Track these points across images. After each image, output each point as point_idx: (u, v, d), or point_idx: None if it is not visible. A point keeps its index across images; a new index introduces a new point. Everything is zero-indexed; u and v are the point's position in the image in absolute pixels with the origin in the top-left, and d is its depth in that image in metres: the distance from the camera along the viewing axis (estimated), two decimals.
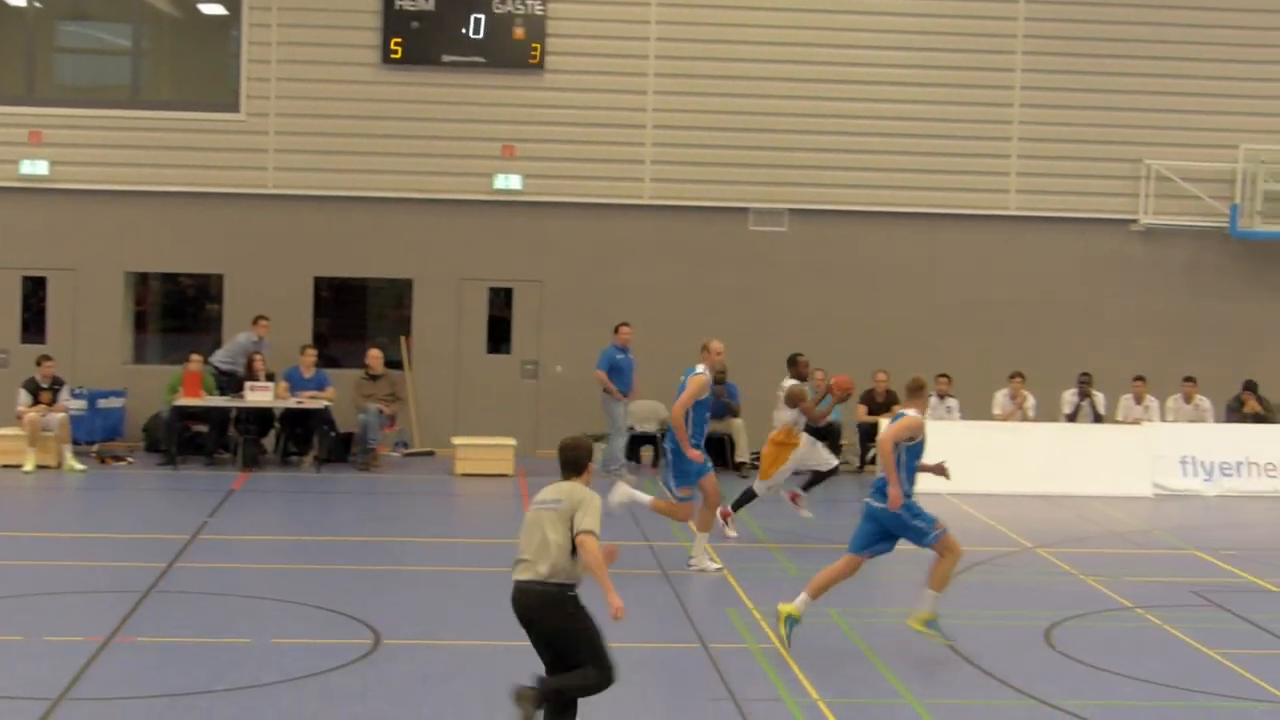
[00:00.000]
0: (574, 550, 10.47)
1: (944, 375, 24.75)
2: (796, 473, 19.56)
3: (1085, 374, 24.75)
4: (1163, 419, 24.86)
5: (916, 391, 14.63)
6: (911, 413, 14.50)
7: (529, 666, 12.31)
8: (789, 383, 19.71)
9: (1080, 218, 26.27)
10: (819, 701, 12.53)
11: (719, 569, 17.40)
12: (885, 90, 26.00)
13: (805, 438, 19.45)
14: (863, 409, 24.76)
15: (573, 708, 10.70)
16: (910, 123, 26.03)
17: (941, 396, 24.55)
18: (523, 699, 10.40)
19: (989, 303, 26.25)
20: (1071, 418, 24.59)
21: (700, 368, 17.66)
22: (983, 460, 23.27)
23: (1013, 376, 24.57)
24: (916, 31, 26.03)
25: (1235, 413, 25.04)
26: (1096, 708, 12.69)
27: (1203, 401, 24.99)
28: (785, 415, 19.39)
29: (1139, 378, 24.89)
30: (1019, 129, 26.12)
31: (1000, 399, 24.63)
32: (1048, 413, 24.82)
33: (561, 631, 10.57)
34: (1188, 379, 25.01)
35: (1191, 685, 13.52)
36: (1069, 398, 24.73)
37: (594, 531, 10.41)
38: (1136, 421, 24.52)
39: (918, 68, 26.03)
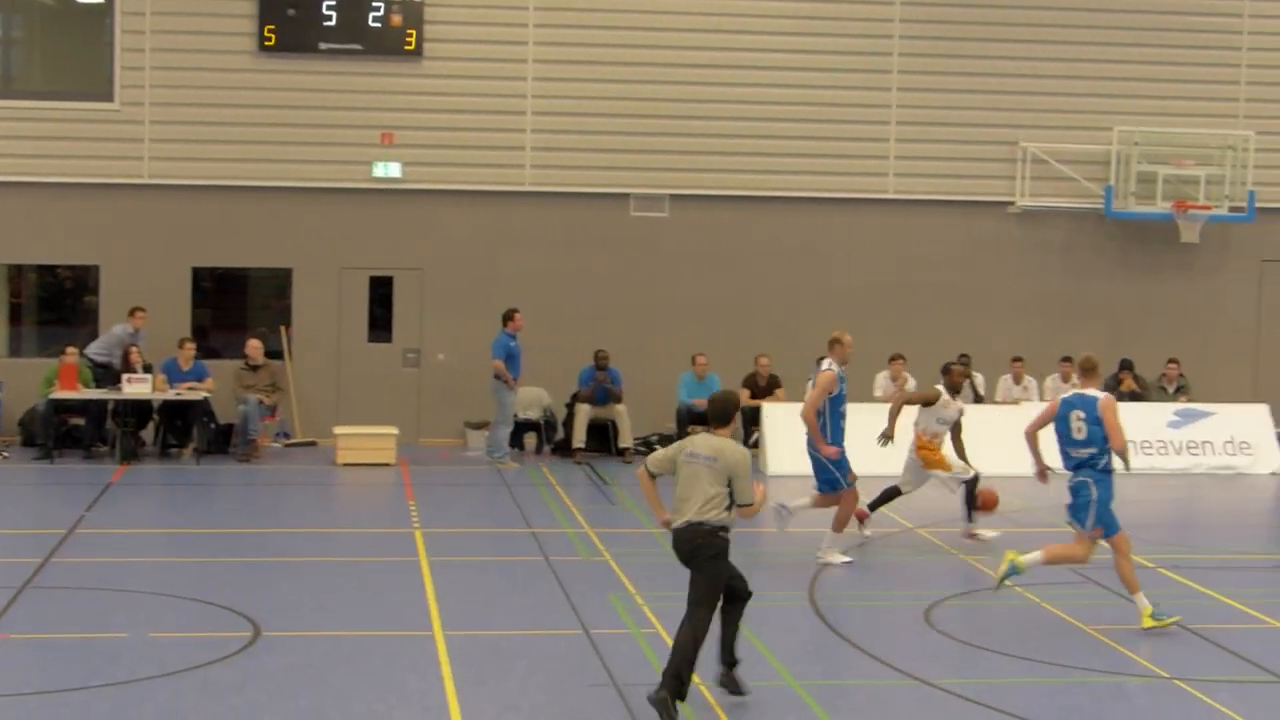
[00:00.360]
0: (730, 505, 11.94)
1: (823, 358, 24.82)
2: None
3: (964, 355, 24.92)
4: (1041, 398, 25.09)
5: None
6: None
7: (411, 656, 12.30)
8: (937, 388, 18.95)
9: (958, 200, 26.48)
10: (700, 685, 12.54)
11: (848, 561, 17.36)
12: (765, 75, 26.08)
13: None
14: (745, 393, 24.82)
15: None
16: (790, 107, 26.11)
17: None
18: (661, 702, 11.53)
19: (869, 286, 26.40)
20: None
21: (827, 362, 17.28)
22: (863, 442, 23.38)
23: (893, 359, 24.72)
24: (795, 16, 26.12)
25: (1112, 391, 25.32)
26: (976, 686, 12.80)
27: (1030, 381, 25.29)
28: (923, 421, 18.74)
29: (1017, 358, 25.13)
30: (897, 113, 26.28)
31: (881, 381, 24.78)
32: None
33: (710, 561, 11.91)
34: (1065, 359, 25.25)
35: (1070, 662, 13.67)
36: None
37: (752, 503, 12.01)
38: (1016, 401, 24.76)
39: (797, 52, 26.12)
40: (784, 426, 23.69)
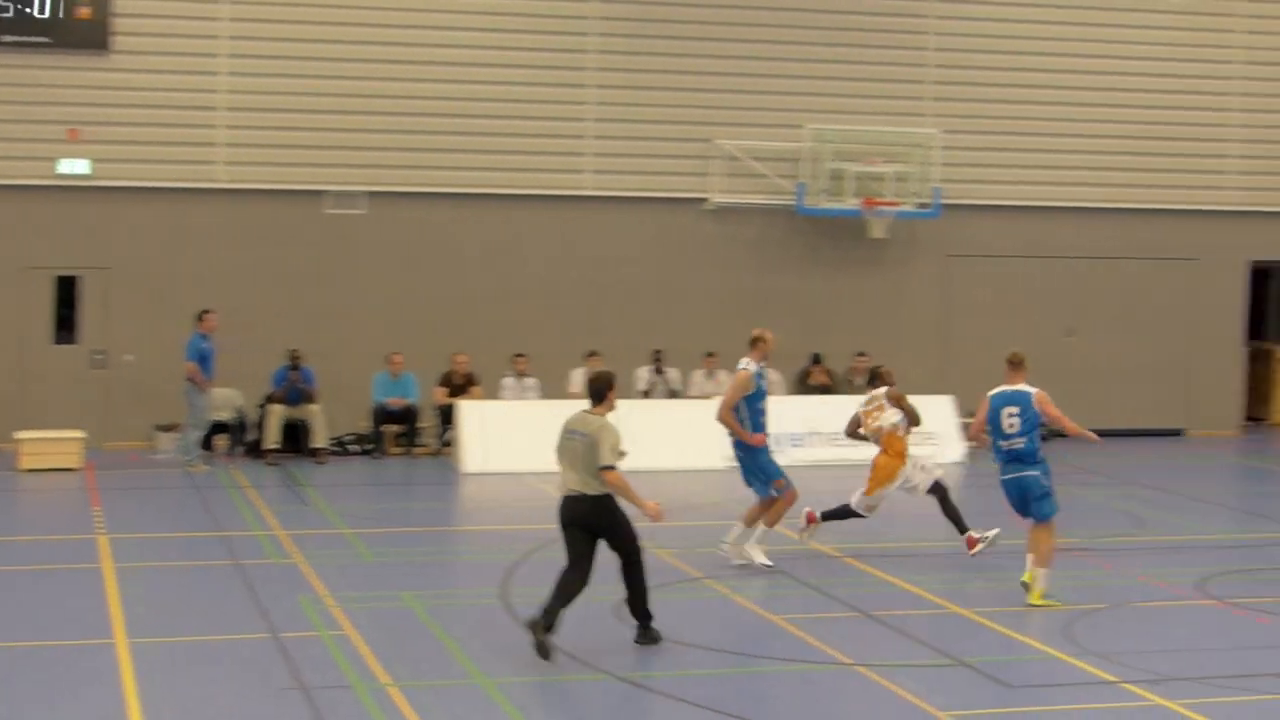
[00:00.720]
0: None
1: (521, 355, 24.94)
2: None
3: (658, 351, 25.19)
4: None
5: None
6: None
7: (91, 665, 11.99)
8: (883, 389, 18.40)
9: (654, 197, 26.69)
10: (388, 686, 12.46)
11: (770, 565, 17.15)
12: (463, 71, 25.97)
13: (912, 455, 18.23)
14: (442, 391, 24.73)
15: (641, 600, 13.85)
16: (487, 104, 26.05)
17: (520, 375, 24.71)
18: (535, 628, 13.21)
19: (567, 282, 26.46)
20: (647, 394, 24.99)
21: (745, 361, 17.14)
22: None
23: (588, 355, 24.84)
24: (491, 12, 26.07)
25: (803, 384, 25.81)
26: (664, 678, 12.93)
27: (773, 375, 25.63)
28: (889, 418, 18.17)
29: (710, 353, 25.43)
30: (593, 110, 26.40)
31: (576, 377, 24.86)
32: (623, 389, 25.09)
33: (608, 526, 13.57)
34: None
35: (756, 651, 13.90)
36: (644, 374, 25.13)
37: (612, 466, 13.36)
38: (709, 395, 25.02)
39: (493, 48, 26.07)
40: (480, 424, 23.68)
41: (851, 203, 26.57)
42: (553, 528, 18.81)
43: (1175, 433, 28.51)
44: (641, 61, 26.58)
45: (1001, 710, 12.33)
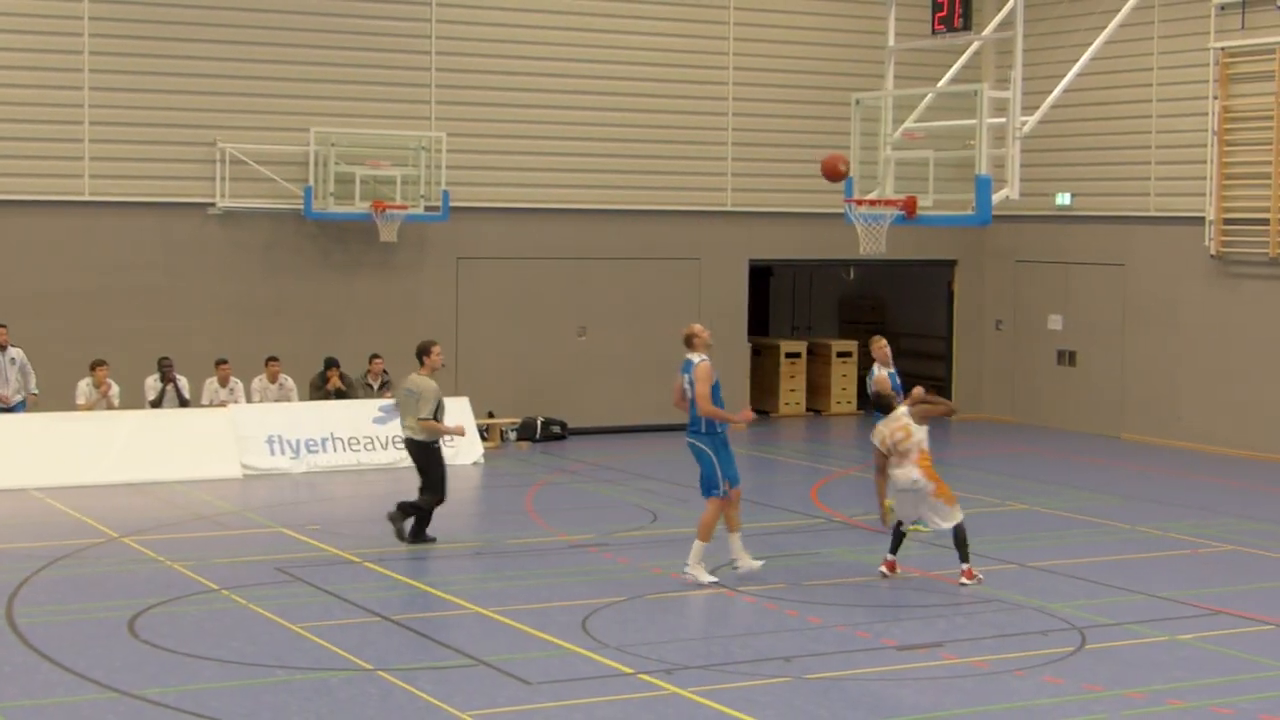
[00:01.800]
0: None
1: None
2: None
3: (166, 358, 24.52)
4: (249, 399, 25.04)
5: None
6: None
7: None
8: (903, 409, 17.16)
9: (158, 202, 25.96)
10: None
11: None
12: None
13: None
14: None
15: (425, 521, 18.78)
16: None
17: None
18: (393, 517, 18.48)
19: (66, 291, 25.46)
20: (156, 404, 24.32)
21: (699, 356, 16.93)
22: (68, 452, 22.72)
23: (95, 365, 24.03)
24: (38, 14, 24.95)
25: (319, 390, 25.55)
26: (177, 693, 12.60)
27: (287, 380, 25.32)
28: (920, 433, 16.94)
29: (222, 361, 24.90)
30: (90, 112, 25.50)
31: (83, 388, 24.04)
32: (133, 400, 24.45)
33: (423, 465, 18.68)
34: (271, 359, 25.28)
35: (273, 661, 13.67)
36: (152, 383, 24.45)
37: (425, 416, 18.45)
38: (223, 404, 24.57)
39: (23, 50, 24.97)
40: None
41: (361, 206, 26.41)
42: (62, 543, 18.30)
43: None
44: (140, 63, 25.79)
45: (523, 708, 12.43)
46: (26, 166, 25.15)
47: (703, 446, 16.98)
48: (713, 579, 16.71)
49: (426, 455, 18.65)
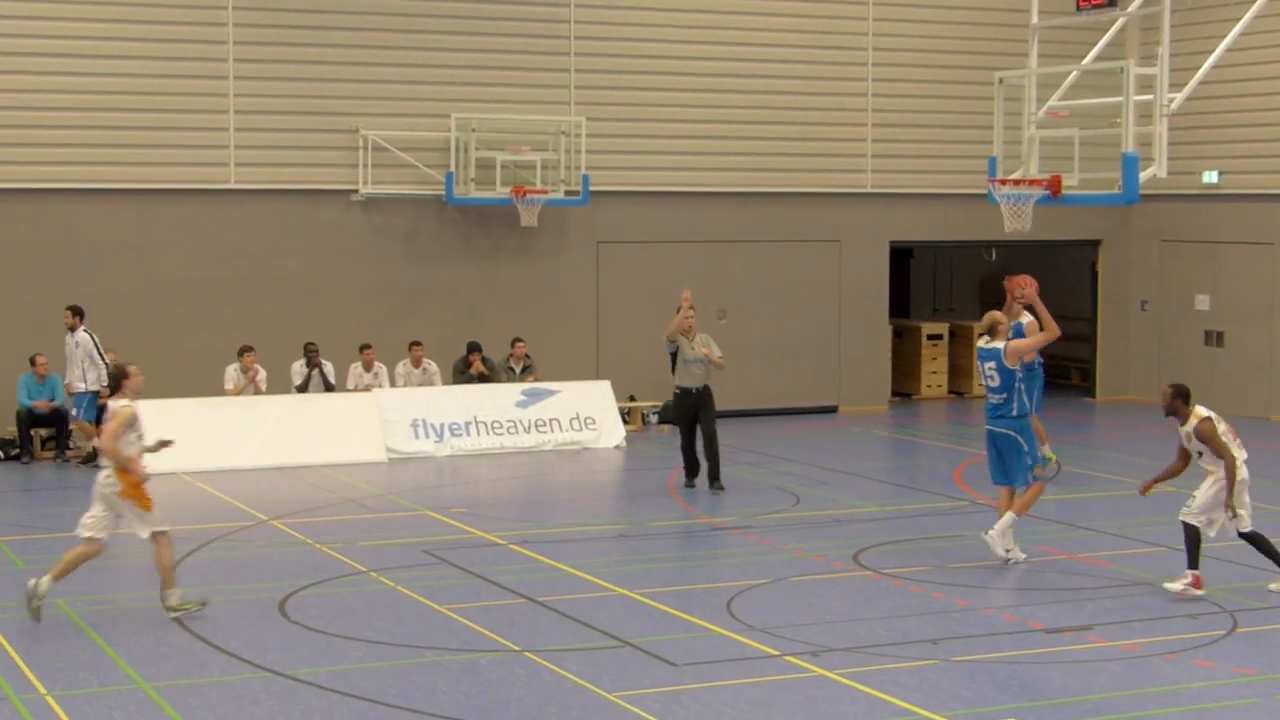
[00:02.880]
0: None
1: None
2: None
3: (312, 344, 24.83)
4: (392, 384, 25.29)
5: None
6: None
7: None
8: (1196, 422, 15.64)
9: (302, 189, 26.25)
10: (47, 696, 12.06)
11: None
12: (93, 64, 25.09)
13: None
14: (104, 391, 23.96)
15: None
16: (120, 96, 25.17)
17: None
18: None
19: (212, 278, 25.80)
20: (302, 388, 24.64)
21: (1002, 343, 17.25)
22: (217, 436, 23.05)
23: (242, 351, 24.38)
24: (120, 3, 25.26)
25: (462, 374, 25.75)
26: (328, 673, 12.76)
27: (430, 365, 25.56)
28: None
29: (366, 346, 25.18)
30: (235, 101, 25.80)
31: (231, 373, 24.40)
32: (280, 385, 24.77)
33: None
34: (415, 344, 25.52)
35: (422, 642, 13.81)
36: (298, 369, 24.77)
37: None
38: (367, 388, 24.83)
39: (126, 40, 25.26)
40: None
41: (501, 191, 26.55)
42: (213, 526, 18.60)
43: (829, 410, 29.21)
44: (283, 52, 26.07)
45: (669, 689, 12.45)
46: (173, 155, 25.51)
47: (1014, 434, 16.90)
48: (1008, 555, 16.76)
49: None
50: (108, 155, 25.16)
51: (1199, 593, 15.23)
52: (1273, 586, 15.60)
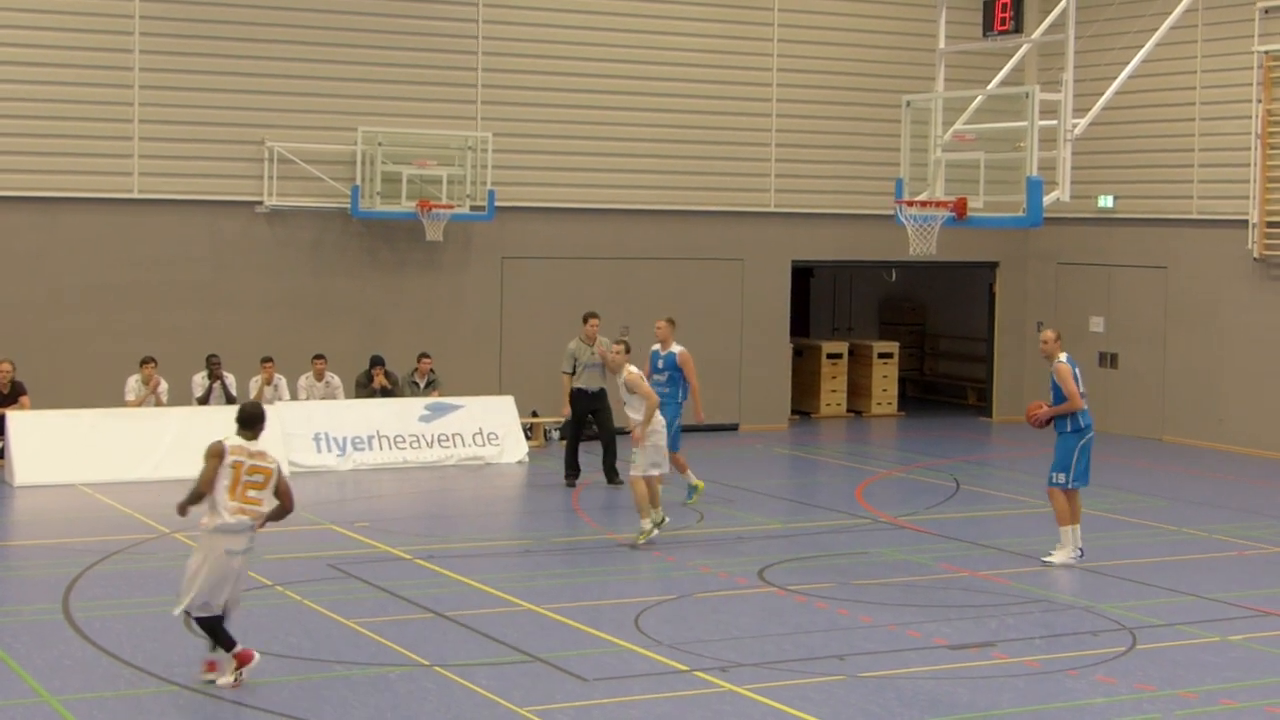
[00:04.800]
0: None
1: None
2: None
3: (214, 356, 24.70)
4: (294, 397, 25.19)
5: None
6: None
7: None
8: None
9: (206, 200, 26.11)
10: None
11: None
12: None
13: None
14: None
15: None
16: (25, 103, 24.99)
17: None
18: None
19: (114, 286, 25.61)
20: (203, 400, 24.50)
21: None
22: (117, 448, 22.87)
23: (144, 362, 24.21)
24: (32, 9, 25.04)
25: (365, 388, 25.70)
26: (238, 688, 12.73)
27: (333, 379, 25.48)
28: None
29: (267, 359, 25.03)
30: (140, 110, 25.67)
31: (132, 384, 24.22)
32: (181, 396, 24.62)
33: None
34: (318, 356, 25.43)
35: (330, 656, 13.79)
36: (199, 380, 24.62)
37: None
38: (270, 402, 24.70)
39: (34, 46, 25.02)
40: (28, 435, 22.81)
41: (407, 205, 26.52)
42: (113, 538, 18.45)
43: (731, 428, 29.38)
44: (190, 62, 25.94)
45: (580, 703, 12.52)
46: (77, 164, 25.32)
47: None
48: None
49: None
50: (11, 163, 24.94)
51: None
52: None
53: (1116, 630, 15.01)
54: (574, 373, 22.94)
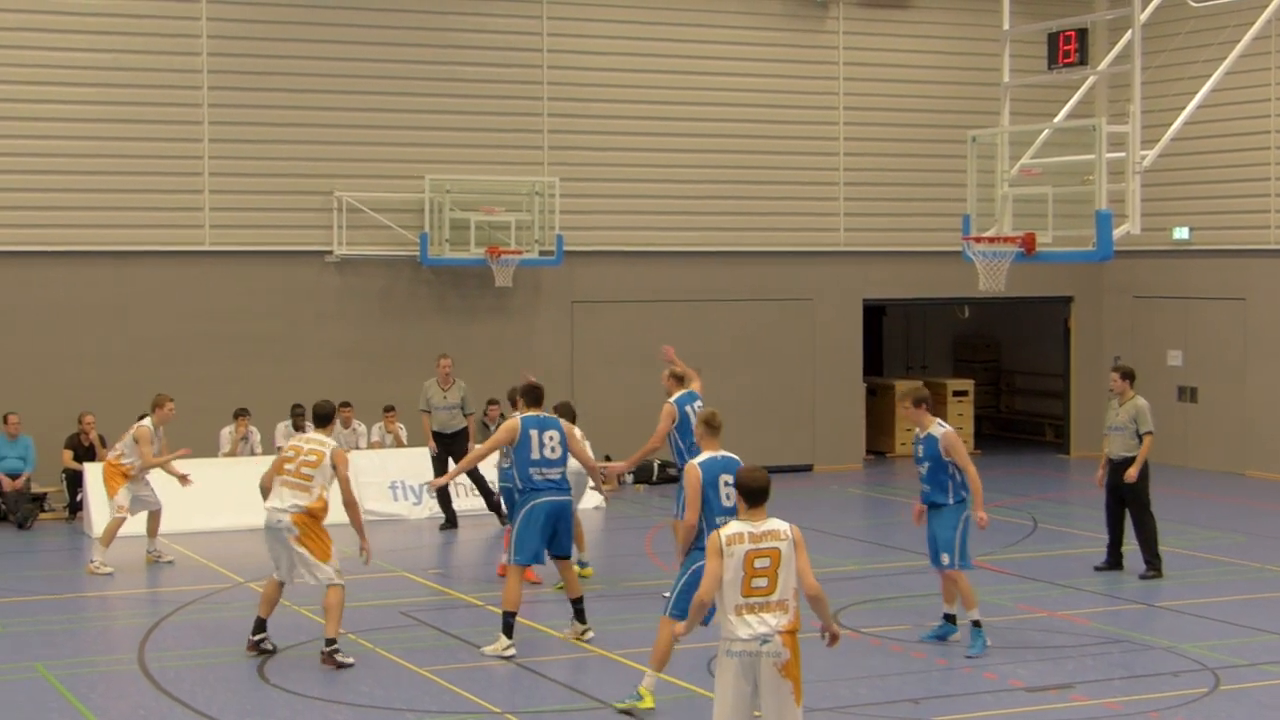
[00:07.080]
0: None
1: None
2: None
3: (298, 405, 24.78)
4: (369, 443, 25.25)
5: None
6: None
7: None
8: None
9: (276, 251, 26.27)
10: None
11: None
12: (66, 127, 25.13)
13: None
14: (69, 454, 23.90)
15: None
16: (95, 159, 25.22)
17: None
18: None
19: (188, 338, 25.72)
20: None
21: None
22: (216, 498, 22.81)
23: (238, 415, 24.40)
24: (97, 67, 25.26)
25: (487, 430, 25.66)
26: None
27: (402, 429, 25.53)
28: None
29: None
30: (209, 164, 25.85)
31: (226, 435, 24.41)
32: (265, 444, 24.73)
33: None
34: (388, 409, 25.50)
35: (403, 705, 13.75)
36: (283, 429, 24.73)
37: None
38: (350, 449, 24.70)
39: (100, 104, 25.28)
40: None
41: (476, 252, 26.60)
42: (189, 589, 18.50)
43: (805, 468, 29.22)
44: (258, 114, 26.14)
45: None
46: (149, 218, 25.54)
47: None
48: None
49: None
50: (85, 218, 25.18)
51: None
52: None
53: (1198, 670, 14.77)
54: (430, 412, 23.43)
